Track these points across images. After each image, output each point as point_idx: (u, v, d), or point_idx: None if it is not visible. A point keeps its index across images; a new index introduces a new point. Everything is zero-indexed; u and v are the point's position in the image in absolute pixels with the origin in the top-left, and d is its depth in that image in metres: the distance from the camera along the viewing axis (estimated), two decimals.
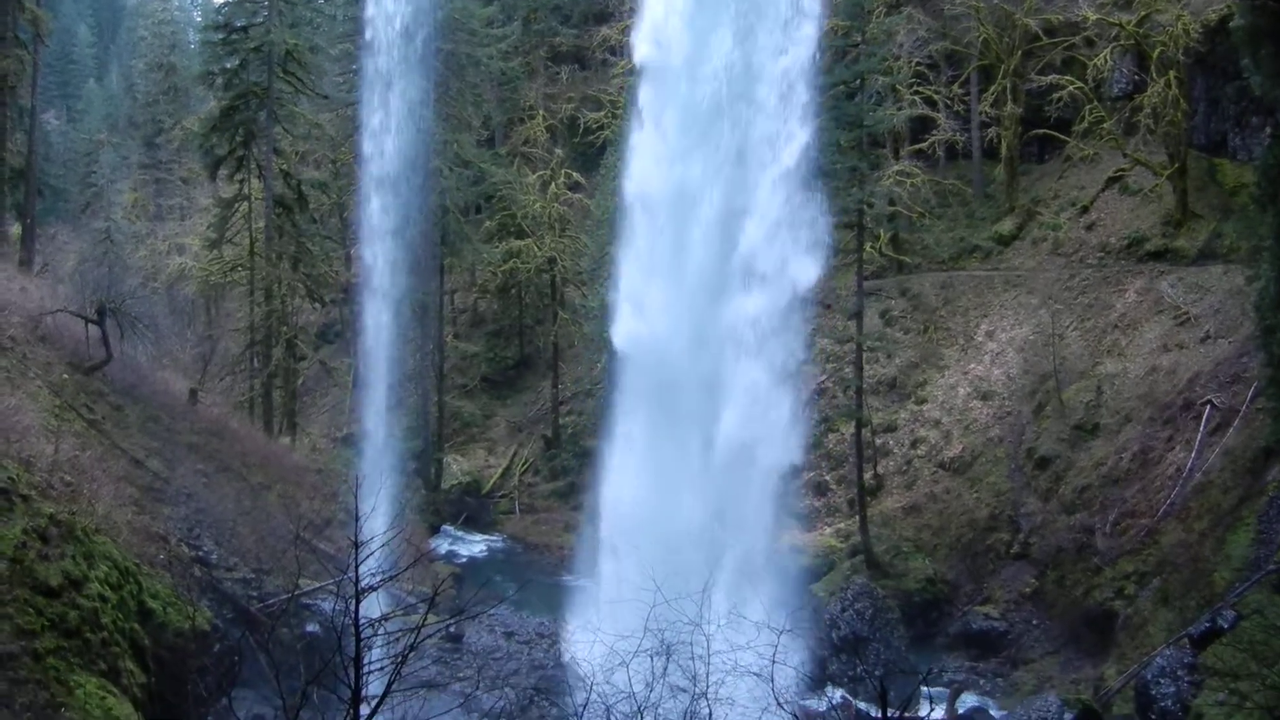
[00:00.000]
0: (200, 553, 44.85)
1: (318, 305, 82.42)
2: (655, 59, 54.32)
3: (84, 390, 50.02)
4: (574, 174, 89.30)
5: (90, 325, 52.66)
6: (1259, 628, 37.39)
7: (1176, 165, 67.96)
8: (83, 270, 78.67)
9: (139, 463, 47.78)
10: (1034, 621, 52.72)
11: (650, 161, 54.36)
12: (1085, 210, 74.08)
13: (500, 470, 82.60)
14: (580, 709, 17.00)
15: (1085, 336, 64.33)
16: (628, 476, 52.90)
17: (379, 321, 64.13)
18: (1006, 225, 77.37)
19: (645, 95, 54.48)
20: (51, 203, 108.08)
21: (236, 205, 76.18)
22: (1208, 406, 51.83)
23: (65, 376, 49.52)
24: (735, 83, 51.41)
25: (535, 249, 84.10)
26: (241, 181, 75.15)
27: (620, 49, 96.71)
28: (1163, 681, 38.72)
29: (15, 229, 79.53)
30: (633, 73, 58.42)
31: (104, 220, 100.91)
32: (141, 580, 34.96)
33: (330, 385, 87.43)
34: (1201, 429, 51.10)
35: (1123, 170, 73.10)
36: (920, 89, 78.14)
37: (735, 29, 51.75)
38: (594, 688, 17.01)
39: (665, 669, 16.74)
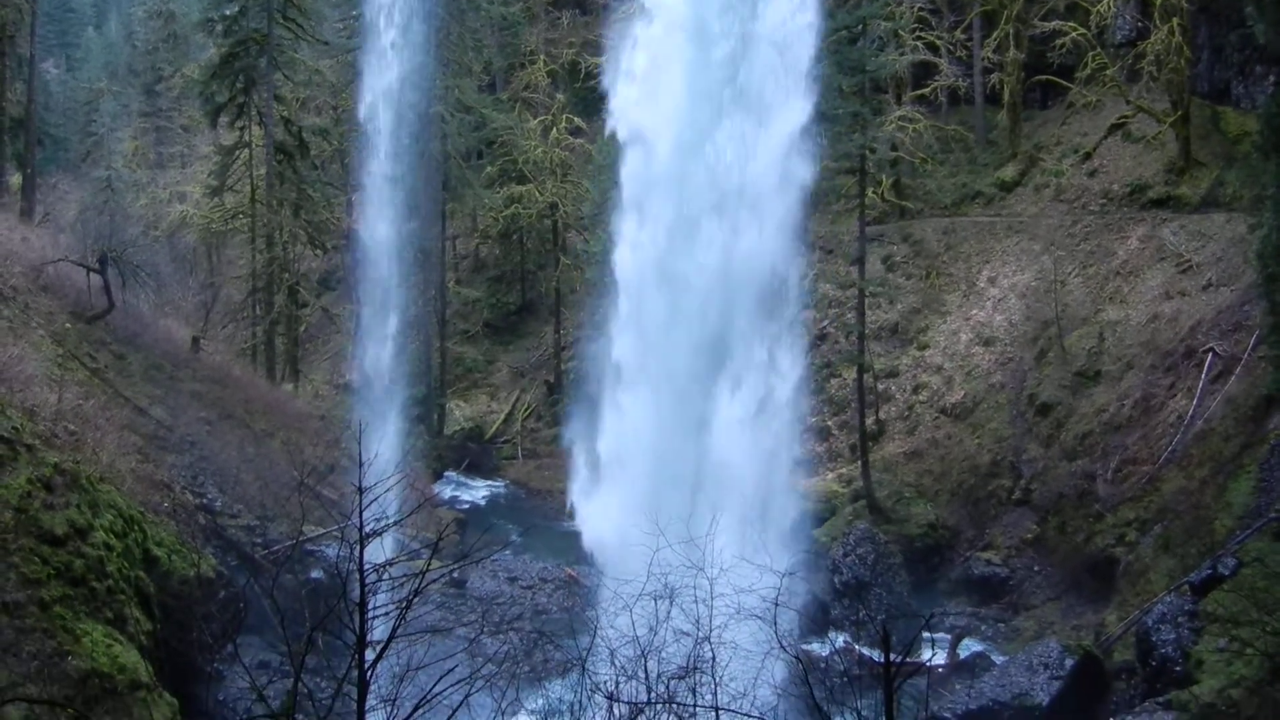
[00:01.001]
0: (204, 500, 44.97)
1: (319, 252, 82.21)
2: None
3: (86, 339, 50.08)
4: (575, 119, 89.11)
5: (92, 274, 52.68)
6: (1260, 575, 37.53)
7: (1179, 113, 67.76)
8: (84, 219, 78.52)
9: (142, 411, 47.87)
10: (1035, 568, 52.89)
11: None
12: (1088, 157, 73.89)
13: (503, 416, 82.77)
14: (584, 653, 17.07)
15: (1087, 283, 64.30)
16: (628, 418, 52.94)
17: (380, 268, 64.10)
18: (1009, 171, 77.18)
19: None
20: (52, 152, 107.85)
21: (237, 152, 76.00)
22: (1209, 354, 51.85)
23: (67, 325, 49.57)
24: None
25: (537, 194, 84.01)
26: (242, 129, 74.95)
27: None
28: (1163, 628, 38.84)
29: (15, 178, 79.45)
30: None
31: (104, 169, 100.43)
32: (146, 528, 35.05)
33: (332, 332, 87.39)
34: (1203, 377, 51.14)
35: (1125, 117, 72.86)
36: (922, 34, 77.86)
37: None
38: (598, 632, 17.07)
39: (669, 612, 16.80)
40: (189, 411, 50.76)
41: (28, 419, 33.78)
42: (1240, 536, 40.77)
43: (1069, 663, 40.11)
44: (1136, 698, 39.01)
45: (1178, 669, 37.54)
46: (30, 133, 73.12)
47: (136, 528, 34.04)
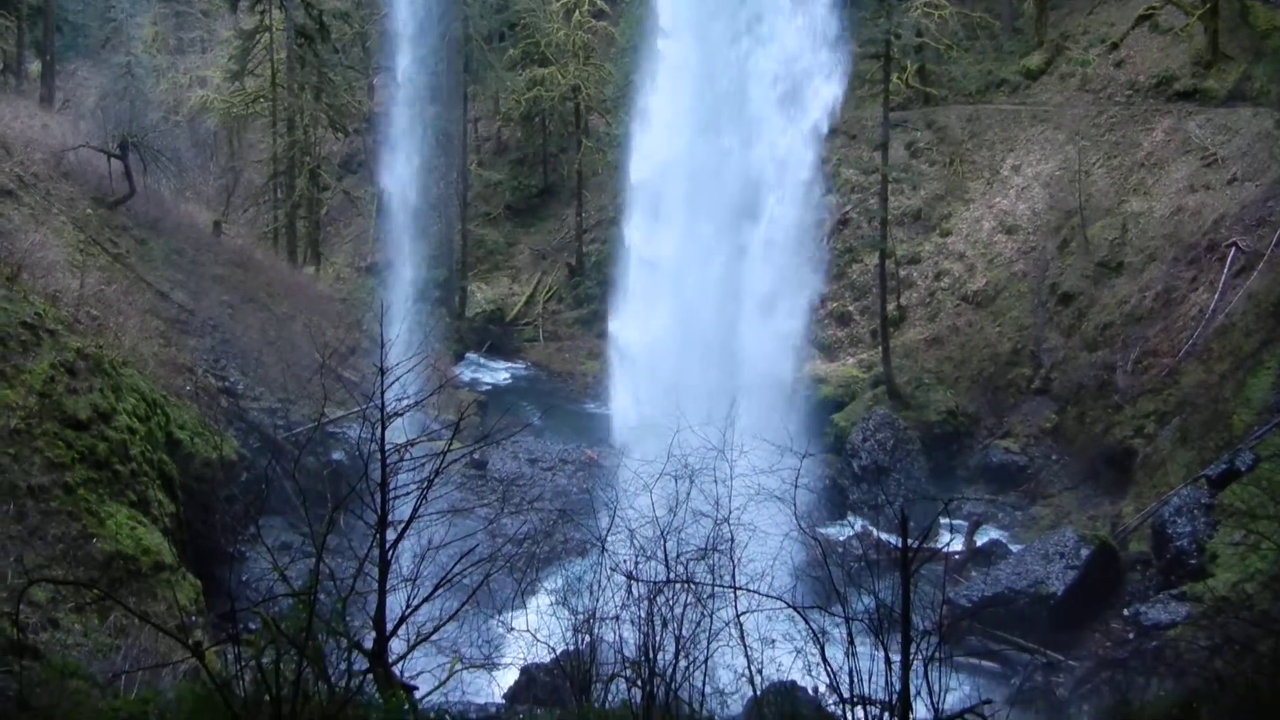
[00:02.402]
0: (226, 383, 45.26)
1: (340, 135, 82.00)
2: None
3: (108, 225, 50.18)
4: (598, 1, 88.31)
5: (113, 160, 52.70)
6: (1277, 470, 37.62)
7: (1208, 5, 66.66)
8: (104, 105, 78.11)
9: (164, 295, 48.06)
10: (1053, 457, 53.04)
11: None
12: (1115, 47, 72.94)
13: (524, 298, 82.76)
14: (604, 533, 17.18)
15: (1111, 174, 63.82)
16: (649, 301, 53.19)
17: (402, 150, 63.95)
18: (1035, 60, 76.39)
19: None
20: (71, 39, 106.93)
21: (258, 36, 75.58)
22: (1232, 249, 51.47)
23: (89, 212, 49.67)
24: None
25: (559, 77, 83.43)
26: (262, 12, 74.47)
27: None
28: (1179, 520, 39.03)
29: (35, 66, 79.18)
30: None
31: (124, 55, 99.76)
32: (169, 411, 35.34)
33: (354, 215, 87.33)
34: (1225, 271, 50.87)
35: (1154, 8, 71.82)
36: None
37: None
38: (617, 512, 17.16)
39: (689, 493, 16.88)
40: (211, 295, 50.96)
41: (50, 305, 33.96)
42: (1259, 432, 40.87)
43: (1084, 552, 40.30)
44: (1151, 589, 39.28)
45: (1193, 561, 37.77)
46: (49, 20, 72.72)
47: (159, 411, 34.31)
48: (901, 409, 55.89)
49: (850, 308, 67.18)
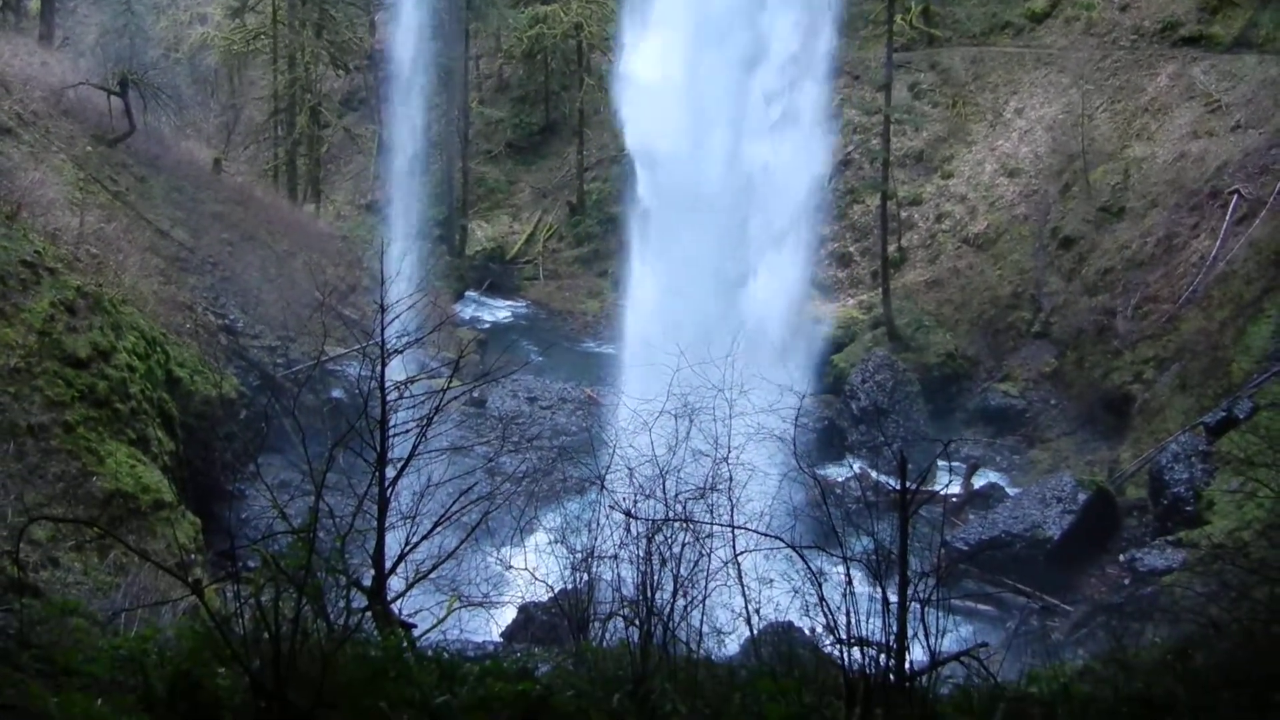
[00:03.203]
0: (226, 321, 45.30)
1: (341, 72, 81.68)
2: None
3: (108, 162, 50.07)
4: None
5: (113, 97, 52.56)
6: (1275, 418, 37.71)
7: None
8: (104, 42, 77.96)
9: (164, 233, 48.01)
10: (1052, 401, 53.10)
11: None
12: None
13: (524, 236, 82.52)
14: (603, 471, 17.17)
15: (1115, 119, 63.57)
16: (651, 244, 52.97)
17: (403, 88, 63.77)
18: (1039, 2, 75.84)
19: None
20: None
21: None
22: (1235, 196, 51.41)
23: (89, 149, 49.54)
24: None
25: (562, 14, 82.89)
26: None
27: None
28: (1177, 467, 39.20)
29: (34, 3, 78.59)
30: None
31: None
32: (169, 349, 35.43)
33: (354, 152, 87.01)
34: (1227, 218, 50.80)
35: None
36: None
37: None
38: (616, 451, 17.15)
39: (688, 432, 16.86)
40: (211, 233, 50.90)
41: (50, 243, 33.99)
42: (1257, 380, 41.00)
43: (1082, 497, 40.48)
44: (1147, 535, 39.53)
45: (1189, 508, 37.95)
46: None
47: (159, 349, 34.40)
48: (901, 351, 55.94)
49: (851, 249, 67.09)
